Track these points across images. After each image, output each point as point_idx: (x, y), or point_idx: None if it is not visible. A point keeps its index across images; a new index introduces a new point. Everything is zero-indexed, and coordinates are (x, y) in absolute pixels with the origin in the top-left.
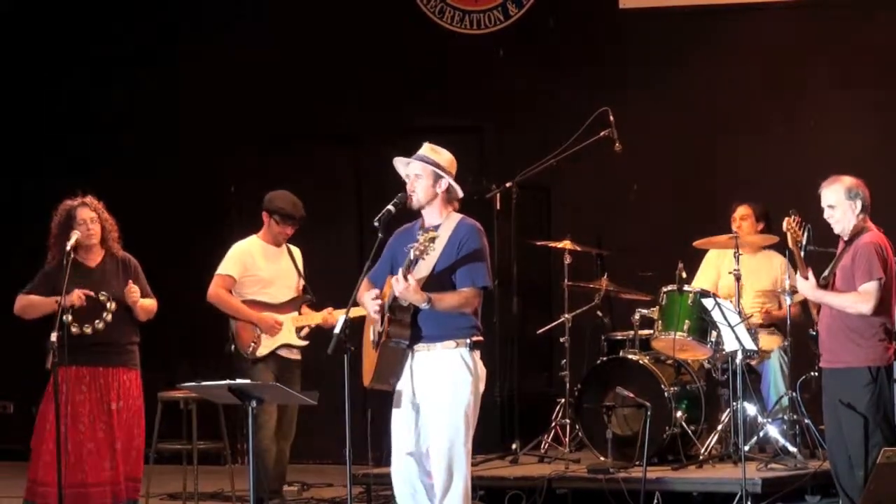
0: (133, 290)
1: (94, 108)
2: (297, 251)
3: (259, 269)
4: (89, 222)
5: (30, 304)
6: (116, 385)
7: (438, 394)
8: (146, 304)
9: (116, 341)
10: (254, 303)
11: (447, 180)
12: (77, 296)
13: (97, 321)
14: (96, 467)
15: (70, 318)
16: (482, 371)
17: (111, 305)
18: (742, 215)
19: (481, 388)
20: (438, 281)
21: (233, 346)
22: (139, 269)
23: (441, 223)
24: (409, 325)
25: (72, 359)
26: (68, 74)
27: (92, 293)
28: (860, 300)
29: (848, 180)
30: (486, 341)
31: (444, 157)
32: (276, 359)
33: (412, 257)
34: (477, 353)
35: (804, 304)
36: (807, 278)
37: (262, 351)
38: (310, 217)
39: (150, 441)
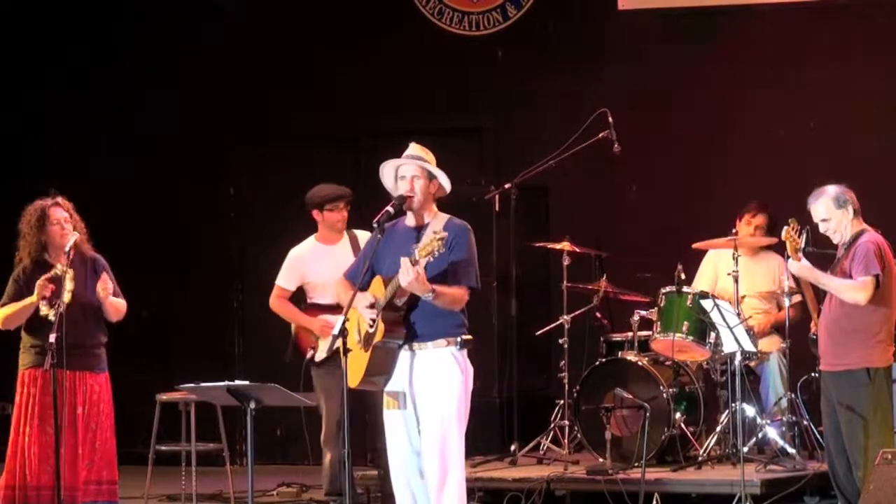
0: (105, 286)
1: (91, 108)
2: (364, 235)
3: (312, 275)
4: (63, 222)
5: (7, 316)
6: (84, 389)
7: (430, 392)
8: (116, 303)
9: (81, 343)
10: (314, 306)
11: (439, 179)
12: (40, 286)
13: (63, 296)
14: (49, 471)
15: (45, 308)
16: (471, 369)
17: (68, 274)
18: (759, 223)
19: (470, 385)
20: (430, 279)
21: (291, 353)
22: (108, 269)
23: (430, 223)
24: (402, 325)
25: (39, 361)
26: (64, 74)
27: (49, 274)
28: (857, 287)
29: (832, 190)
30: (485, 342)
31: (431, 156)
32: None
33: (417, 258)
34: (465, 352)
35: (803, 305)
36: (799, 260)
37: (321, 355)
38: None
39: (148, 442)
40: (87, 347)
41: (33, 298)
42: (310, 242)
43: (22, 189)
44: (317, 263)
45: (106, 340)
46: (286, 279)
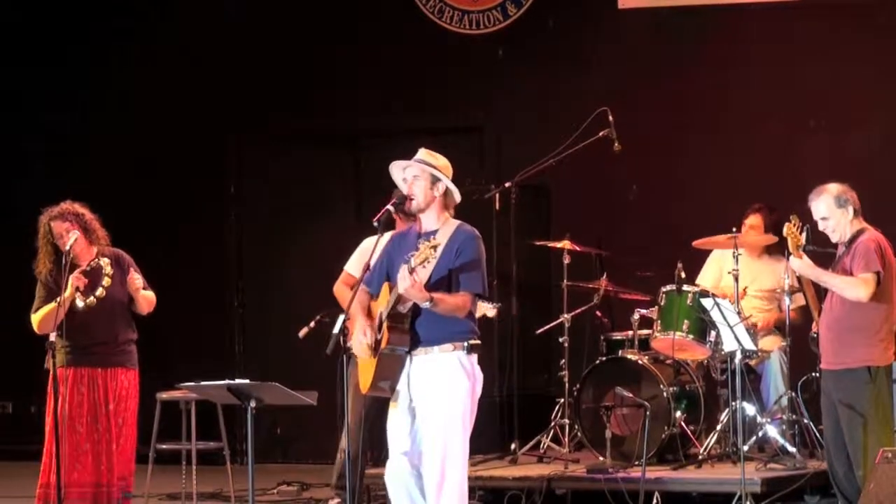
0: (135, 279)
1: (90, 106)
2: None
3: None
4: (65, 234)
5: (44, 317)
6: (114, 385)
7: (435, 397)
8: (147, 296)
9: (113, 340)
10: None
11: (444, 183)
12: (75, 277)
13: (98, 288)
14: (88, 469)
15: (79, 295)
16: (479, 375)
17: (107, 267)
18: (752, 224)
19: (478, 391)
20: (435, 286)
21: (332, 346)
22: (132, 263)
23: (439, 228)
24: (407, 332)
25: (71, 360)
26: (63, 73)
27: (87, 267)
28: (858, 284)
29: (834, 188)
30: (486, 342)
31: (441, 161)
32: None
33: (413, 265)
34: (474, 357)
35: (805, 306)
36: (800, 258)
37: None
38: (309, 217)
39: (148, 441)
40: (119, 344)
41: (66, 294)
42: (387, 235)
43: (23, 189)
44: None
45: (136, 337)
46: (355, 266)
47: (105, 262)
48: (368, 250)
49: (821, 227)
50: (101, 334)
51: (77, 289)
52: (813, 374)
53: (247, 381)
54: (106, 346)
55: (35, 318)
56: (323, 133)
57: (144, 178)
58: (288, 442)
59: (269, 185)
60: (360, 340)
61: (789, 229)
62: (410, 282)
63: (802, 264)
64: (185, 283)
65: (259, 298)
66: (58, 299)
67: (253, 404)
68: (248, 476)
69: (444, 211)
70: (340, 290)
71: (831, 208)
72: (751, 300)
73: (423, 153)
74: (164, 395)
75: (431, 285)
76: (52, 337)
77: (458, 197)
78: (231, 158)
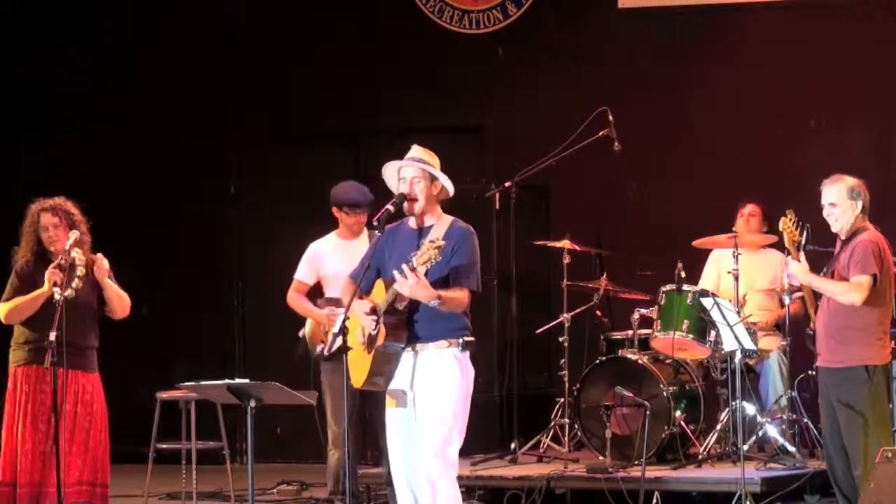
0: (102, 268)
1: (89, 105)
2: None
3: (326, 268)
4: (51, 228)
5: (15, 308)
6: (75, 388)
7: (429, 392)
8: (120, 292)
9: (75, 342)
10: (330, 300)
11: (441, 181)
12: (51, 273)
13: (74, 281)
14: (52, 468)
15: (57, 289)
16: (471, 370)
17: (79, 258)
18: (751, 212)
19: (471, 386)
20: (435, 284)
21: (301, 350)
22: (109, 270)
23: (433, 224)
24: (405, 328)
25: (33, 357)
26: (63, 73)
27: (62, 261)
28: (851, 289)
29: (850, 180)
30: (485, 341)
31: (435, 157)
32: None
33: (415, 265)
34: (467, 354)
35: (804, 301)
36: (799, 261)
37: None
38: (309, 217)
39: (148, 441)
40: (80, 348)
41: (44, 289)
42: (330, 237)
43: (19, 188)
44: (333, 258)
45: (97, 345)
46: (303, 273)
47: (77, 252)
48: (315, 256)
49: (826, 212)
50: (66, 334)
51: (55, 283)
52: (810, 372)
53: (247, 381)
54: (70, 347)
55: (4, 308)
56: (323, 133)
57: (144, 178)
58: (288, 442)
59: (269, 185)
60: (364, 328)
61: (785, 224)
62: (415, 280)
63: (799, 269)
64: (185, 284)
65: (259, 298)
66: (39, 290)
67: (253, 404)
68: (248, 476)
69: (437, 206)
70: (293, 298)
71: (842, 197)
72: (751, 297)
73: (418, 151)
74: (164, 395)
75: (431, 283)
76: (52, 336)
77: (451, 191)
78: (231, 158)
